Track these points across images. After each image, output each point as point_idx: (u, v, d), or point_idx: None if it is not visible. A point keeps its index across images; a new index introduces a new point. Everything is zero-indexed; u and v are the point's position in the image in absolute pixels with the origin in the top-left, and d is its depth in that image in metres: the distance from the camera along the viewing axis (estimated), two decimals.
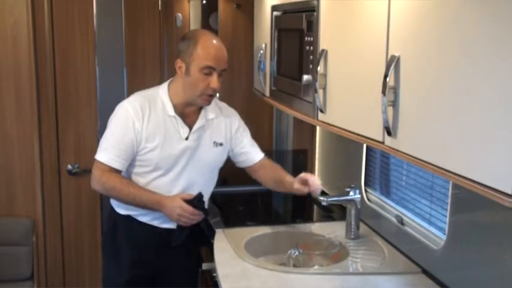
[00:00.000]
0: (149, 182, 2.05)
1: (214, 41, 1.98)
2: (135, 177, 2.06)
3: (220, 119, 2.15)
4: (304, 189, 2.10)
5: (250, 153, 2.23)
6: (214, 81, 1.95)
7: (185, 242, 2.09)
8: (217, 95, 2.96)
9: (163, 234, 2.09)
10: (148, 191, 2.02)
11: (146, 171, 2.04)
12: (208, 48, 1.95)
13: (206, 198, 2.13)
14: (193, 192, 2.05)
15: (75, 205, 3.23)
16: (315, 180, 2.09)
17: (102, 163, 2.00)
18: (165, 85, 2.08)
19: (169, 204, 1.98)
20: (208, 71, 1.94)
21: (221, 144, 2.14)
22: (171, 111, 2.02)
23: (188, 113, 2.06)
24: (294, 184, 2.11)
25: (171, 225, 2.09)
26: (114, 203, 2.14)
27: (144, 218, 2.09)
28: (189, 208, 1.98)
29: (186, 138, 2.04)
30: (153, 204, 2.00)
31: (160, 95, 2.04)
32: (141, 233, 2.10)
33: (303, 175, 2.11)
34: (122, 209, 2.11)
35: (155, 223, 2.10)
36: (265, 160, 2.28)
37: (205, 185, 2.15)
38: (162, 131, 2.01)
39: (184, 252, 2.15)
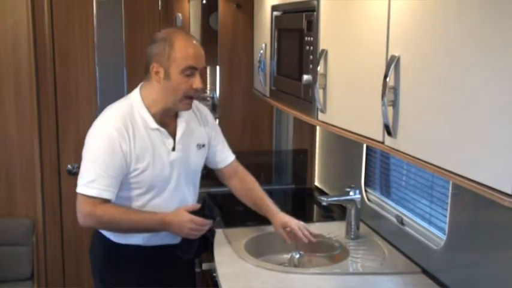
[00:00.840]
0: (146, 203, 1.91)
1: (191, 39, 1.88)
2: (127, 202, 1.90)
3: (196, 120, 2.04)
4: (287, 239, 2.03)
5: (223, 153, 2.14)
6: (197, 81, 1.84)
7: (196, 253, 2.04)
8: (217, 95, 2.93)
9: (169, 250, 2.00)
10: (149, 213, 1.89)
11: (140, 193, 1.90)
12: (187, 47, 1.83)
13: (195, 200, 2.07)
14: (188, 202, 1.99)
15: (75, 205, 3.21)
16: (303, 235, 2.01)
17: (91, 197, 1.80)
18: (137, 95, 1.92)
19: (177, 220, 1.86)
20: (190, 71, 1.82)
21: (203, 145, 2.04)
22: (153, 124, 1.87)
23: (167, 122, 1.93)
24: (277, 227, 2.04)
25: (177, 241, 2.00)
26: (108, 232, 1.97)
27: (149, 242, 1.97)
28: (199, 219, 1.87)
29: (173, 149, 1.92)
30: (158, 226, 1.88)
31: (136, 107, 1.88)
32: (146, 257, 1.98)
33: (293, 226, 2.01)
34: (119, 239, 1.96)
35: (163, 242, 1.99)
36: (238, 167, 2.19)
37: (195, 189, 2.08)
38: (149, 147, 1.86)
39: (183, 260, 2.09)
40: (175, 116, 1.96)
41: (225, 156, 2.16)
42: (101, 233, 2.01)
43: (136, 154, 1.84)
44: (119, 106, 1.91)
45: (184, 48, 1.83)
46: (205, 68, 1.94)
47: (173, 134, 1.93)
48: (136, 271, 2.00)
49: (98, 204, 1.82)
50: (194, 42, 1.88)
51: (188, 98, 1.88)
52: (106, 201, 1.83)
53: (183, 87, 1.84)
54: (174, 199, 1.95)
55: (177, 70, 1.82)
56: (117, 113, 1.87)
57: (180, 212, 1.89)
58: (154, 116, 1.89)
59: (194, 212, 1.90)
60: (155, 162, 1.88)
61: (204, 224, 1.90)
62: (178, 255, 2.01)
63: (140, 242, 1.97)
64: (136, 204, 1.91)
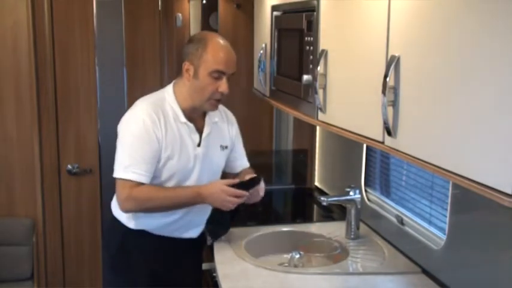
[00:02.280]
0: None
1: (224, 44, 1.93)
2: None
3: (223, 123, 2.12)
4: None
5: (241, 160, 2.22)
6: (223, 85, 1.90)
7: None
8: None
9: (182, 244, 2.06)
10: (182, 188, 1.95)
11: (163, 181, 1.96)
12: (219, 51, 1.90)
13: None
14: None
15: (75, 205, 3.23)
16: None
17: (129, 181, 1.87)
18: (170, 89, 2.00)
19: (212, 191, 1.89)
20: (217, 75, 1.89)
21: (226, 147, 2.11)
22: (183, 118, 1.95)
23: (195, 118, 2.00)
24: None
25: (193, 234, 2.07)
26: (123, 217, 2.03)
27: (161, 231, 2.02)
28: (235, 190, 1.90)
29: (198, 145, 2.00)
30: (193, 198, 1.92)
31: (168, 101, 1.96)
32: (158, 246, 2.04)
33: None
34: (133, 224, 2.02)
35: (175, 235, 2.05)
36: (247, 172, 2.22)
37: None
38: (177, 139, 1.94)
39: (193, 253, 2.15)
40: (204, 114, 2.04)
41: (238, 163, 2.21)
42: (115, 218, 2.06)
43: (166, 142, 1.92)
44: (152, 98, 1.99)
45: (216, 52, 1.90)
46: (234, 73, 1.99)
47: (200, 131, 2.01)
48: (146, 259, 2.04)
49: (134, 186, 1.88)
50: (228, 47, 1.94)
51: (214, 100, 1.94)
52: (141, 184, 1.89)
53: (209, 88, 1.91)
54: None
55: (206, 71, 1.89)
56: (150, 104, 1.94)
57: (215, 183, 1.93)
58: (184, 111, 1.97)
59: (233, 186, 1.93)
60: (181, 153, 1.95)
61: (241, 194, 1.91)
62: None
63: (151, 229, 2.02)
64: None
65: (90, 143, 3.18)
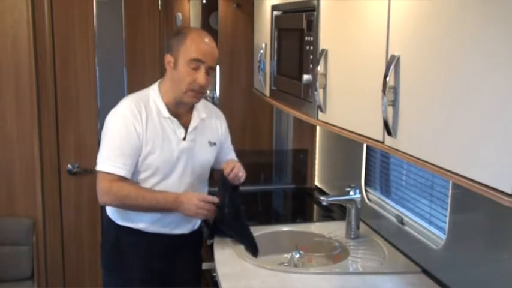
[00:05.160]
0: (152, 187, 1.99)
1: (205, 37, 1.97)
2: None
3: (211, 119, 2.13)
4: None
5: (230, 155, 2.23)
6: (201, 76, 1.91)
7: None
8: (217, 95, 2.93)
9: (175, 241, 2.07)
10: (162, 192, 1.96)
11: (147, 176, 1.98)
12: (198, 41, 1.93)
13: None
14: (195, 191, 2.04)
15: (75, 205, 3.23)
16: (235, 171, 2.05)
17: (108, 173, 1.89)
18: (155, 86, 2.03)
19: (187, 198, 1.93)
20: (195, 65, 1.91)
21: (215, 144, 2.12)
22: (166, 113, 1.97)
23: (181, 113, 2.02)
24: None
25: (184, 230, 2.08)
26: (115, 215, 2.05)
27: (152, 228, 2.03)
28: (205, 196, 1.96)
29: (184, 139, 2.01)
30: (171, 204, 1.93)
31: (152, 97, 1.99)
32: (150, 244, 2.04)
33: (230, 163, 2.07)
34: (125, 222, 2.04)
35: (165, 231, 2.05)
36: None
37: (203, 184, 2.15)
38: (160, 133, 1.96)
39: (190, 252, 2.16)
40: (191, 110, 2.05)
41: (229, 158, 2.21)
42: (109, 218, 2.08)
43: (147, 136, 1.94)
44: (137, 94, 2.03)
45: (195, 42, 1.93)
46: (214, 69, 2.01)
47: (186, 125, 2.02)
48: (139, 258, 2.05)
49: (115, 180, 1.89)
50: (208, 40, 1.97)
51: (192, 91, 1.95)
52: (122, 179, 1.91)
53: (187, 79, 1.92)
54: (180, 187, 2.01)
55: (184, 61, 1.92)
56: (133, 100, 1.98)
57: (192, 193, 1.98)
58: (168, 106, 1.99)
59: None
60: (163, 147, 1.97)
61: (209, 200, 1.95)
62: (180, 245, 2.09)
63: (143, 227, 2.03)
64: (143, 186, 1.98)
65: (90, 143, 3.18)
